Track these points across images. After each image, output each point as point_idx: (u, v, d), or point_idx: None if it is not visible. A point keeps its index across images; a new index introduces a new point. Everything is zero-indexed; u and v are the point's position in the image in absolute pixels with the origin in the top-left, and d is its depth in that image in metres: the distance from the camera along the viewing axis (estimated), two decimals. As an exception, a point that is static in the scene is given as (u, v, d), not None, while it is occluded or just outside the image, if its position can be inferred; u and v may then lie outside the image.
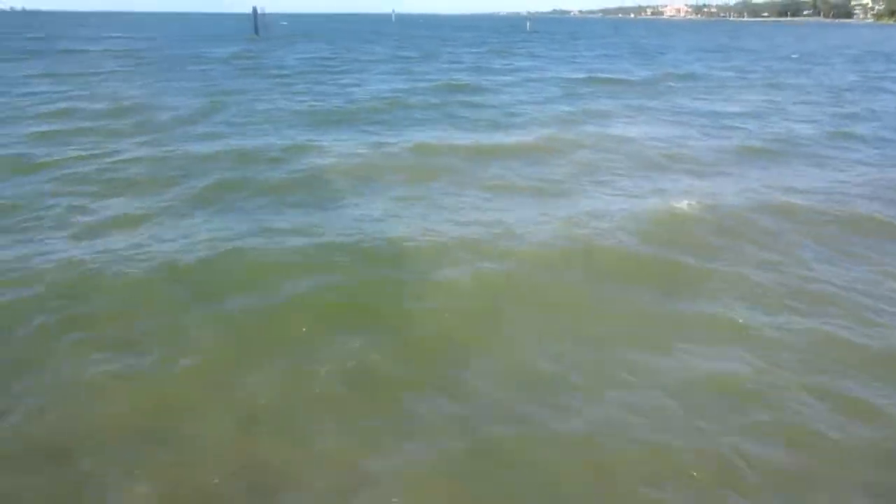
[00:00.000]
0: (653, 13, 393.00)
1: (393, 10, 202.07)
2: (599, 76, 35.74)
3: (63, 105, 22.53)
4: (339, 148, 16.14)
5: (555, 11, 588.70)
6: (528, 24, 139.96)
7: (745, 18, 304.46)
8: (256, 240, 9.61)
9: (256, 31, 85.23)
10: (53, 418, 5.69)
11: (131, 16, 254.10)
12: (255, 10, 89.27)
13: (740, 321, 7.41)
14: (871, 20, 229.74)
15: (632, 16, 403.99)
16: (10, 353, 6.69)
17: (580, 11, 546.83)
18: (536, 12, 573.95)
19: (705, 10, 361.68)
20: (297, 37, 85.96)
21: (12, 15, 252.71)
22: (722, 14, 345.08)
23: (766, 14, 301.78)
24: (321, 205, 11.61)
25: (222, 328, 7.14)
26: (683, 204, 11.43)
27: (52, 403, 5.88)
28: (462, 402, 5.93)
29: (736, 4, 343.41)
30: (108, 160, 14.50)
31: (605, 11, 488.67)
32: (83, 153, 15.04)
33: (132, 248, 9.14)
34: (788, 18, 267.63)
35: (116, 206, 11.29)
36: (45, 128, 18.31)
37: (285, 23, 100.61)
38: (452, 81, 32.01)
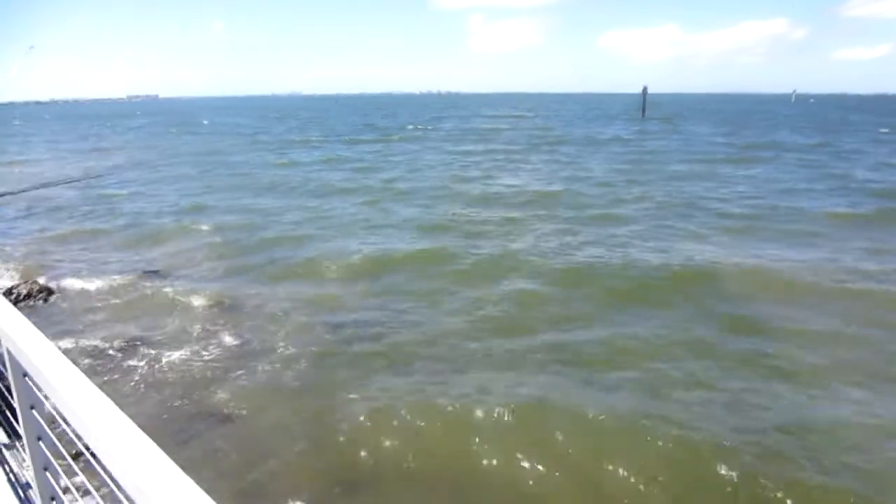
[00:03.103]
0: None
1: (794, 91, 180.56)
2: None
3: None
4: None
5: None
6: None
7: None
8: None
9: (643, 111, 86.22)
10: None
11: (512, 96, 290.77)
12: (644, 90, 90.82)
13: None
14: None
15: None
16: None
17: None
18: None
19: None
20: (678, 118, 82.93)
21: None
22: None
23: None
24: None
25: None
26: None
27: None
28: None
29: None
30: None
31: None
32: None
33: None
34: None
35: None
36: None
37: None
38: None
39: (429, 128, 65.38)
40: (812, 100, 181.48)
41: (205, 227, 18.02)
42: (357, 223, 18.50)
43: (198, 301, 11.64)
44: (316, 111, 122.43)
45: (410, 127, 66.33)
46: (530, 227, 17.44)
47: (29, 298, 11.71)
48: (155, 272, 13.69)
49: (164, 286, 12.58)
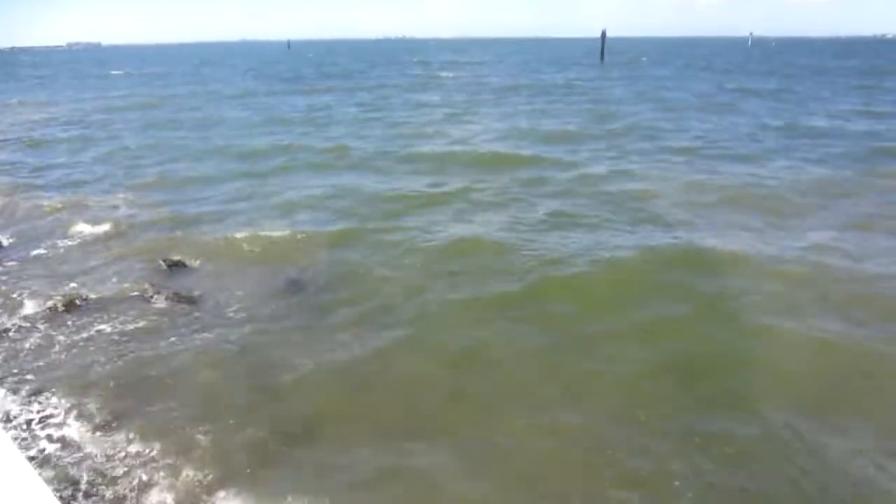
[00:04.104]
0: None
1: (750, 34, 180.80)
2: None
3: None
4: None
5: None
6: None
7: None
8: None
9: (602, 56, 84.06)
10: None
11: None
12: (603, 34, 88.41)
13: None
14: None
15: None
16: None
17: None
18: None
19: None
20: (636, 64, 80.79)
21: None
22: None
23: None
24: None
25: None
26: None
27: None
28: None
29: None
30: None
31: None
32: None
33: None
34: None
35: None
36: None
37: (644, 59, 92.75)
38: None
39: (382, 74, 61.93)
40: (773, 43, 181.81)
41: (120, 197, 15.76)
42: (295, 189, 16.48)
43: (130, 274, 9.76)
44: (265, 58, 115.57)
45: (360, 75, 62.68)
46: (486, 195, 15.69)
47: None
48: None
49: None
